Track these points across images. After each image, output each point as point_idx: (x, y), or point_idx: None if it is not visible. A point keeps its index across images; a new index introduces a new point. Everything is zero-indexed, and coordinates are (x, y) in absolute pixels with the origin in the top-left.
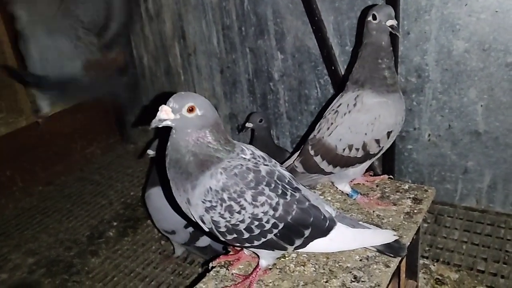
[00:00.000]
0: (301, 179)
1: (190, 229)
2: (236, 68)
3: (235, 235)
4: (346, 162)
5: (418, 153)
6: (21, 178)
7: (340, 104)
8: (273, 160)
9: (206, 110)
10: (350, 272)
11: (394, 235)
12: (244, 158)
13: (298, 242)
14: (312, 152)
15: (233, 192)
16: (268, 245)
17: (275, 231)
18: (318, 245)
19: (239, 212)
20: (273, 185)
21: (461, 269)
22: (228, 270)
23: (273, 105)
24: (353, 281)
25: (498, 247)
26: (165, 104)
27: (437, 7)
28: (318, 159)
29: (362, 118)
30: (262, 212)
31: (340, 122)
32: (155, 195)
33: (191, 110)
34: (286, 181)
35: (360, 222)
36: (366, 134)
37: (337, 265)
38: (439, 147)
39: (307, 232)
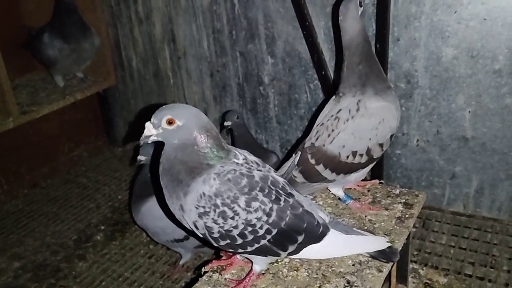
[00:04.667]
0: (300, 189)
1: None
2: (226, 72)
3: (228, 241)
4: (349, 169)
5: (406, 158)
6: (6, 181)
7: (340, 110)
8: (267, 165)
9: (187, 120)
10: (343, 277)
11: (387, 241)
12: (237, 163)
13: (291, 248)
14: (312, 161)
15: (227, 197)
16: (261, 251)
17: (269, 237)
18: (311, 251)
19: (232, 218)
20: (266, 191)
21: (449, 273)
22: (221, 275)
23: (263, 109)
24: (346, 286)
25: (485, 251)
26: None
27: (427, 14)
28: (320, 167)
29: (366, 123)
30: (256, 218)
31: (343, 129)
32: (155, 206)
33: (170, 122)
34: (280, 186)
35: (354, 229)
36: (370, 139)
37: (330, 270)
38: (427, 152)
39: (300, 238)
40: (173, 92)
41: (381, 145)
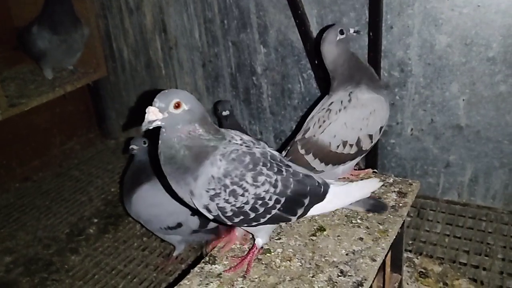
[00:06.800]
0: None
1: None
2: (219, 62)
3: (242, 217)
4: (338, 159)
5: (400, 148)
6: None
7: (332, 103)
8: (261, 142)
9: (192, 104)
10: (337, 266)
11: (379, 181)
12: (236, 143)
13: (300, 212)
14: (302, 151)
15: (235, 176)
16: (274, 220)
17: (278, 206)
18: (317, 209)
19: (242, 195)
20: (269, 165)
21: (444, 262)
22: (214, 265)
23: (256, 100)
24: (340, 276)
25: (480, 239)
26: (151, 105)
27: (420, 1)
28: (309, 157)
29: (357, 113)
30: (264, 191)
31: (334, 119)
32: (148, 193)
33: (177, 106)
34: (278, 159)
35: (345, 183)
36: (361, 129)
37: (323, 260)
38: (422, 141)
39: (306, 201)
40: (165, 83)
41: (370, 137)
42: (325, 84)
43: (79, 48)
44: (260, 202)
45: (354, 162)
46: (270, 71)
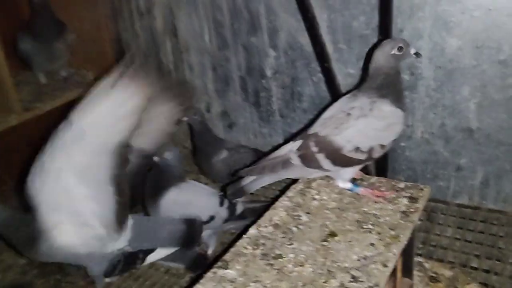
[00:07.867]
0: (293, 171)
1: (226, 204)
2: (229, 65)
3: None
4: (347, 163)
5: (411, 151)
6: (11, 178)
7: (353, 107)
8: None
9: None
10: (348, 272)
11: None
12: None
13: None
14: (315, 149)
15: None
16: None
17: None
18: None
19: None
20: None
21: (454, 266)
22: (227, 270)
23: (266, 103)
24: (352, 281)
25: (491, 244)
26: None
27: (430, 5)
28: (320, 156)
29: (376, 124)
30: None
31: (353, 125)
32: (177, 195)
33: None
34: None
35: None
36: (375, 139)
37: (335, 265)
38: (432, 144)
39: None
40: None
41: (382, 147)
42: (334, 86)
43: (62, 55)
44: None
45: (360, 166)
46: (280, 74)
